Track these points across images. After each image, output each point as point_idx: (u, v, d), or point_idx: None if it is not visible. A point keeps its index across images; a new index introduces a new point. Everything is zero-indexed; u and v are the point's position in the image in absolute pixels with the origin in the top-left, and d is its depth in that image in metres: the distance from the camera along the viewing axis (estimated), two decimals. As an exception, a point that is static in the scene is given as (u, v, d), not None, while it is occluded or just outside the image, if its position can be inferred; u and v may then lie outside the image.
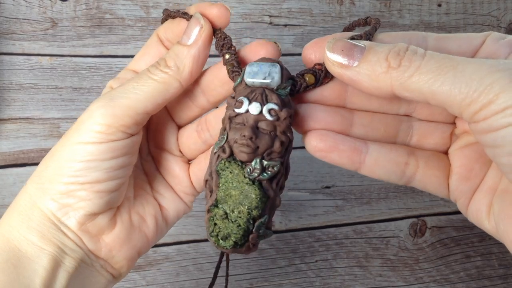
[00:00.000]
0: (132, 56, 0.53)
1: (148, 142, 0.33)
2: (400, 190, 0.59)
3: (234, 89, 0.28)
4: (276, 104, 0.26)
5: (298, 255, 0.57)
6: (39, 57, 0.50)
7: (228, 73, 0.28)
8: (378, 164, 0.27)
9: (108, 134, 0.27)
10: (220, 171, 0.27)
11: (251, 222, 0.26)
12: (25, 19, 0.49)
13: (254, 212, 0.26)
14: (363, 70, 0.23)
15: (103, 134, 0.27)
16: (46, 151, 0.50)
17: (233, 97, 0.27)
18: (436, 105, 0.22)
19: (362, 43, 0.24)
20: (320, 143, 0.27)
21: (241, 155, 0.26)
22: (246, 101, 0.26)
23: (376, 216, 0.58)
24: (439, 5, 0.58)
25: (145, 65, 0.30)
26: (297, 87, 0.27)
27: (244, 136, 0.26)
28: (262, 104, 0.26)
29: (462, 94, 0.21)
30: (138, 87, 0.27)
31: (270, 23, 0.54)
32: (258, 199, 0.26)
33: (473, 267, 0.60)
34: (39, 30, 0.49)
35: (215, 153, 0.27)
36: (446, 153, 0.28)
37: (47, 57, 0.50)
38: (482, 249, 0.61)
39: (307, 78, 0.27)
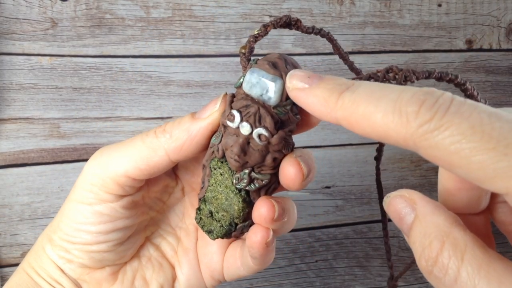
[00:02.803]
0: (132, 56, 0.53)
1: None
2: (400, 190, 0.59)
3: (236, 87, 0.26)
4: (267, 129, 0.24)
5: (298, 255, 0.57)
6: (39, 57, 0.50)
7: (240, 56, 0.26)
8: None
9: (96, 193, 0.26)
10: (212, 169, 0.27)
11: (233, 225, 0.27)
12: (25, 19, 0.49)
13: (236, 220, 0.27)
14: None
15: (91, 193, 0.26)
16: (46, 151, 0.51)
17: (231, 100, 0.25)
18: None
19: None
20: None
21: (231, 165, 0.26)
22: (238, 117, 0.24)
23: (376, 216, 0.58)
24: (439, 5, 0.58)
25: None
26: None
27: (232, 151, 0.25)
28: (253, 127, 0.24)
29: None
30: (126, 147, 0.26)
31: (270, 23, 0.54)
32: (240, 211, 0.26)
33: (473, 267, 0.60)
34: (39, 30, 0.49)
35: (211, 147, 0.26)
36: None
37: (47, 57, 0.50)
38: (482, 249, 0.61)
39: None
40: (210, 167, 0.27)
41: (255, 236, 0.26)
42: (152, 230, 0.31)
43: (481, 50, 0.59)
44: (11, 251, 0.51)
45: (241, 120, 0.24)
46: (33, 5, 0.49)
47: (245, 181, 0.26)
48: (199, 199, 0.28)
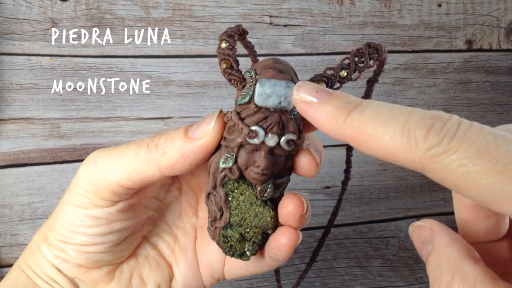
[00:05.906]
0: (132, 56, 0.53)
1: (199, 204, 0.32)
2: (400, 190, 0.59)
3: (240, 105, 0.24)
4: (293, 133, 0.24)
5: (298, 255, 0.57)
6: (39, 57, 0.50)
7: (224, 73, 0.25)
8: None
9: (90, 199, 0.26)
10: (229, 192, 0.26)
11: (265, 236, 0.27)
12: (25, 19, 0.49)
13: (270, 231, 0.27)
14: None
15: (86, 198, 0.26)
16: (46, 151, 0.51)
17: (241, 118, 0.24)
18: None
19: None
20: None
21: (255, 181, 0.25)
22: (261, 132, 0.23)
23: (376, 216, 0.58)
24: (439, 5, 0.58)
25: None
26: None
27: (259, 167, 0.24)
28: (280, 136, 0.24)
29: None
30: (120, 157, 0.26)
31: (270, 23, 0.54)
32: (273, 220, 0.26)
33: (473, 267, 0.60)
34: (39, 30, 0.49)
35: (222, 172, 0.25)
36: None
37: (47, 57, 0.50)
38: (482, 249, 0.61)
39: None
40: (226, 192, 0.26)
41: (284, 238, 0.26)
42: (149, 228, 0.31)
43: (481, 50, 0.59)
44: (11, 251, 0.51)
45: (266, 134, 0.23)
46: (33, 5, 0.49)
47: (270, 190, 0.25)
48: (219, 229, 0.27)
